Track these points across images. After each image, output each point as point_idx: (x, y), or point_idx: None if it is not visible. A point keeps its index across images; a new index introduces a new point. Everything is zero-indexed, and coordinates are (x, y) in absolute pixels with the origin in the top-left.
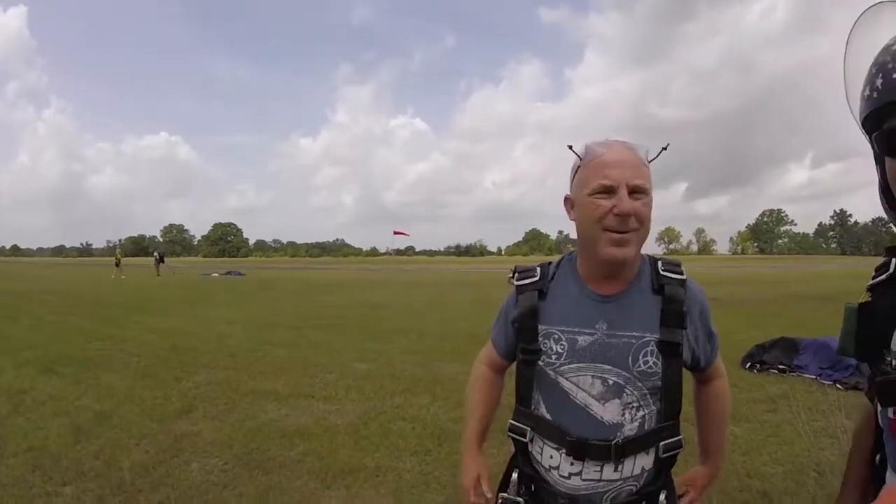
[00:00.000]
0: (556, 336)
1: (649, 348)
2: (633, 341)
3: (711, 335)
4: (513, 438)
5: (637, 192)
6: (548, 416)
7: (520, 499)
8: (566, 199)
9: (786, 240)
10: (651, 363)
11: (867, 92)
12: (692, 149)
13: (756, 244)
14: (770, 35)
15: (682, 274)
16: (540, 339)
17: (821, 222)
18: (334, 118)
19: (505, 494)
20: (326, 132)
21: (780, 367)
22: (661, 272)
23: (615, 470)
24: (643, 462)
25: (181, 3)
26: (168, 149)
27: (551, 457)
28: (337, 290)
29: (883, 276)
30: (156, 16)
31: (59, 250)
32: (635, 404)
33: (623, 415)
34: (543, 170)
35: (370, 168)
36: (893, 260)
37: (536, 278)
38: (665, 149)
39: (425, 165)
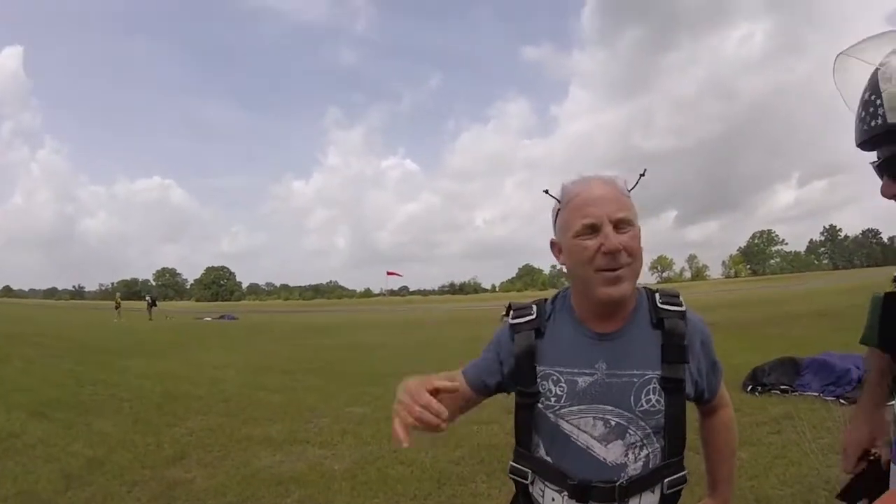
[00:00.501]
0: (555, 378)
1: (651, 386)
2: (635, 380)
3: (715, 365)
4: (514, 480)
5: (622, 224)
6: (549, 459)
7: None
8: (552, 244)
9: (778, 259)
10: (654, 401)
11: (856, 122)
12: (679, 177)
13: (749, 266)
14: (749, 61)
15: (681, 305)
16: (538, 380)
17: (811, 239)
18: (325, 161)
19: None
20: (318, 175)
21: (782, 387)
22: (660, 305)
23: (627, 500)
24: (648, 500)
25: (173, 48)
26: (161, 192)
27: (553, 499)
28: (331, 332)
29: None
30: (149, 59)
31: (52, 292)
32: (639, 444)
33: (627, 455)
34: (534, 206)
35: (362, 209)
36: None
37: (533, 317)
38: (643, 174)
39: (416, 206)
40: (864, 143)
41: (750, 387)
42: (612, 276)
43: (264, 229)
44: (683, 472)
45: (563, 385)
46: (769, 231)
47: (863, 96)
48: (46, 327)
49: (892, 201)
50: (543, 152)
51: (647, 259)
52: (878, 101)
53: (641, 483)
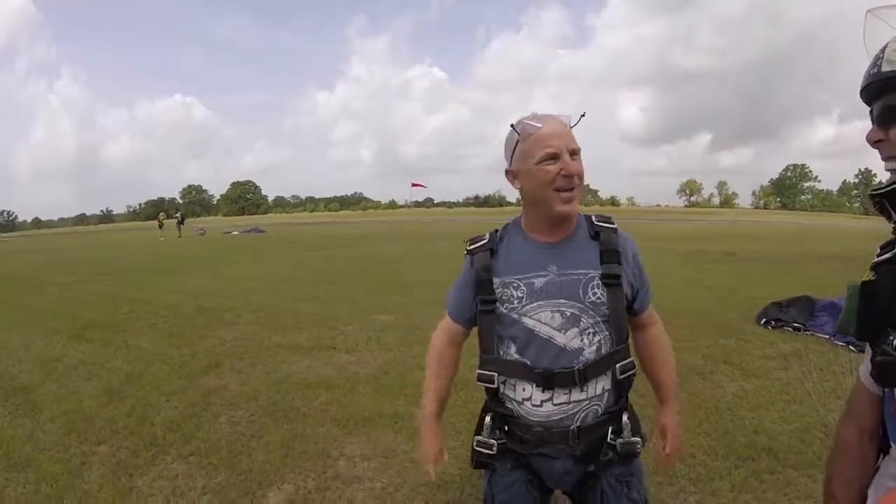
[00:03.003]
0: (516, 284)
1: (595, 282)
2: (581, 277)
3: (646, 281)
4: (484, 386)
5: (574, 154)
6: (515, 356)
7: (492, 441)
8: (507, 173)
9: (809, 196)
10: (599, 294)
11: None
12: (717, 100)
13: (779, 199)
14: None
15: (613, 224)
16: (500, 289)
17: (845, 180)
18: (349, 71)
19: (479, 437)
20: (342, 86)
21: (795, 325)
22: (596, 223)
23: (581, 391)
24: (603, 383)
25: None
26: (183, 110)
27: (524, 389)
28: (357, 244)
29: (888, 255)
30: None
31: (81, 219)
32: (591, 330)
33: (582, 340)
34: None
35: (387, 121)
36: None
37: (486, 241)
38: (583, 116)
39: (443, 117)
40: (863, 91)
41: (764, 320)
42: (567, 195)
43: (288, 143)
44: (631, 359)
45: (523, 288)
46: (803, 166)
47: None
48: (78, 253)
49: (874, 149)
50: (578, 64)
51: (675, 182)
52: (881, 55)
53: (597, 367)
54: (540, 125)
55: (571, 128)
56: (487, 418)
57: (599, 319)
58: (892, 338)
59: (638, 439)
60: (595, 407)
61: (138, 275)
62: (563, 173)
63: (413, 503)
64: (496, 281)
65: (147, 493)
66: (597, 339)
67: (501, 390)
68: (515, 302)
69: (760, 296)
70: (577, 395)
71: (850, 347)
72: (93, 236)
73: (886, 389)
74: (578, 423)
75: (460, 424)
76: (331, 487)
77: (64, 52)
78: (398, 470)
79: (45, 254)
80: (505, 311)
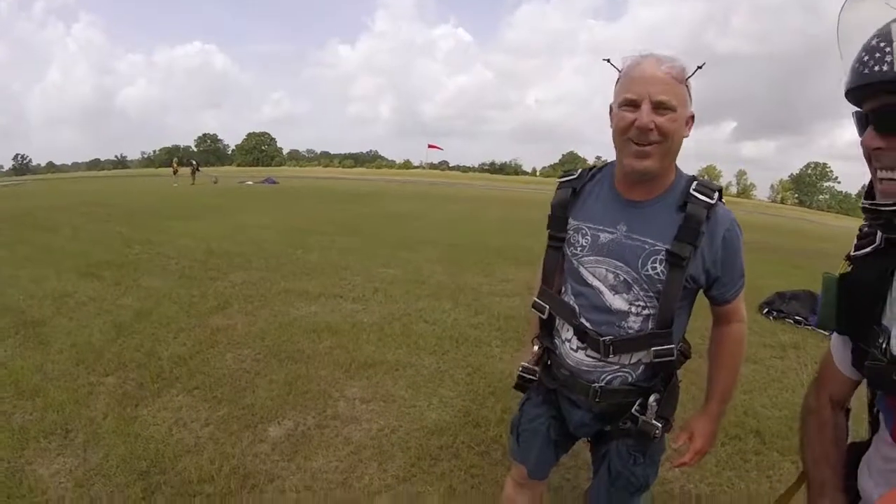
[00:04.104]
0: (584, 231)
1: (659, 256)
2: (646, 247)
3: (734, 268)
4: (537, 314)
5: (662, 106)
6: (565, 298)
7: (536, 368)
8: (610, 109)
9: (827, 196)
10: (659, 270)
11: (854, 66)
12: (746, 87)
13: (796, 195)
14: None
15: (711, 198)
16: (570, 231)
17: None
18: (373, 26)
19: (525, 364)
20: (365, 40)
21: (797, 318)
22: (691, 192)
23: (614, 356)
24: (640, 355)
25: None
26: (202, 58)
27: (568, 329)
28: (369, 200)
29: (868, 249)
30: None
31: (95, 164)
32: (640, 302)
33: (630, 307)
34: (590, 92)
35: (409, 79)
36: (880, 232)
37: (574, 177)
38: (700, 67)
39: (466, 79)
40: (857, 89)
41: (766, 310)
42: (639, 150)
43: (307, 96)
44: (671, 346)
45: (588, 238)
46: (824, 165)
47: (869, 42)
48: (92, 197)
49: (867, 153)
50: (608, 36)
51: (696, 166)
52: (888, 49)
53: (627, 345)
54: (634, 64)
55: (688, 78)
56: (536, 348)
57: (652, 294)
58: (881, 340)
59: (658, 424)
60: (625, 374)
61: (151, 219)
62: (636, 124)
63: (407, 445)
64: (571, 223)
65: (151, 423)
66: (645, 312)
67: (554, 324)
68: (578, 249)
69: (766, 285)
70: (609, 356)
71: None
72: (106, 181)
73: (879, 394)
74: (602, 384)
75: (459, 377)
76: (329, 426)
77: None
78: (396, 414)
79: (58, 196)
80: (569, 254)
